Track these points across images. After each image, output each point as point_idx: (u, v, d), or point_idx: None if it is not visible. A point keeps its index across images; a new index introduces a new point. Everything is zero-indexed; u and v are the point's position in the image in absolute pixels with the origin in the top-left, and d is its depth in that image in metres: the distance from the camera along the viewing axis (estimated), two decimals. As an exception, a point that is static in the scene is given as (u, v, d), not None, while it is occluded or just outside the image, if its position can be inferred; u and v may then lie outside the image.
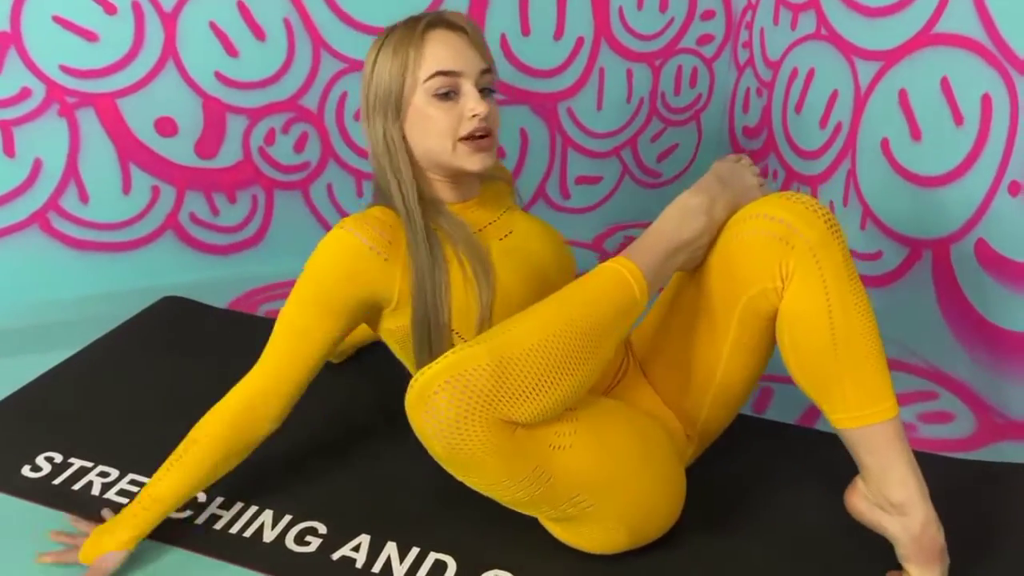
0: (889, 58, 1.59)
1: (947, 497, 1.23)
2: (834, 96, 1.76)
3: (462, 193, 1.13)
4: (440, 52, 1.04)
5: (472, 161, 1.05)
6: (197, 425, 1.08)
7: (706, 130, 2.21)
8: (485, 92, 1.07)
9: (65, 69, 1.64)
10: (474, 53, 1.06)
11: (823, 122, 1.80)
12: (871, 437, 0.96)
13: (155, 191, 1.80)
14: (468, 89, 1.04)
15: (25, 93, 1.62)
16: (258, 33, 1.71)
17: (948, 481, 1.27)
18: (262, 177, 1.86)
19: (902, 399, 1.47)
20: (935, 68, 1.48)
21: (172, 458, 1.07)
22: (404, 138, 1.07)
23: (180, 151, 1.78)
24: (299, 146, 1.85)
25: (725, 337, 1.04)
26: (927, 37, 1.49)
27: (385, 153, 1.07)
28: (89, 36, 1.62)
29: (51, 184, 1.72)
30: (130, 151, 1.74)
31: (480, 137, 1.05)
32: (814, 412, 1.45)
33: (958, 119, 1.45)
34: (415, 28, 1.06)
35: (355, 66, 1.81)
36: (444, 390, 0.86)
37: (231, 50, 1.71)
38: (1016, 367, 1.40)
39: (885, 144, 1.63)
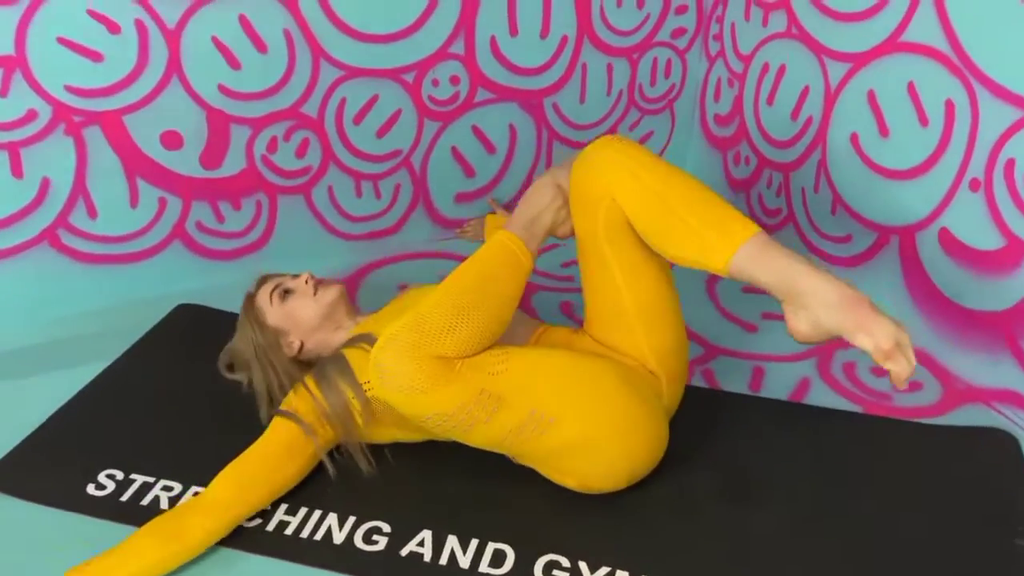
0: (858, 60, 1.74)
1: (923, 459, 1.44)
2: (805, 91, 1.90)
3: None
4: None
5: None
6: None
7: (679, 117, 2.33)
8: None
9: (71, 89, 1.65)
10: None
11: (794, 114, 1.95)
12: (751, 258, 1.13)
13: (162, 202, 1.84)
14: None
15: (32, 115, 1.63)
16: (259, 45, 1.75)
17: (922, 444, 1.47)
18: (265, 184, 1.91)
19: (877, 370, 1.66)
20: (902, 73, 1.63)
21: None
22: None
23: (185, 163, 1.81)
24: (300, 152, 1.90)
25: (610, 265, 1.27)
26: (895, 44, 1.64)
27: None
28: (94, 56, 1.64)
29: (60, 201, 1.74)
30: (137, 165, 1.77)
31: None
32: (803, 387, 1.62)
33: (923, 121, 1.61)
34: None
35: (353, 73, 1.86)
36: (385, 351, 1.12)
37: (233, 63, 1.75)
38: (974, 339, 1.60)
39: (855, 138, 1.79)
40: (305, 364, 1.45)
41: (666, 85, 2.26)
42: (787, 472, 1.38)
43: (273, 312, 1.46)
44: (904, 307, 1.73)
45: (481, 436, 1.20)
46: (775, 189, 2.07)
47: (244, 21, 1.72)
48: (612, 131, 2.25)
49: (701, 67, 2.27)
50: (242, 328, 1.49)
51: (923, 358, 1.68)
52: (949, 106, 1.55)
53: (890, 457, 1.43)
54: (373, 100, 1.92)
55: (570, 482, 1.28)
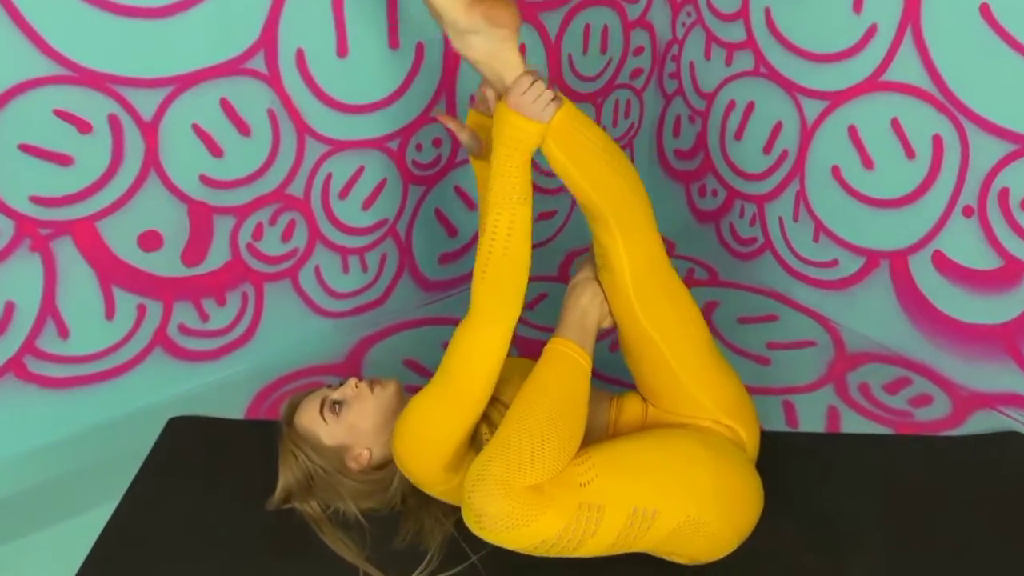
0: (836, 98, 1.83)
1: (964, 471, 1.54)
2: (778, 127, 1.98)
3: None
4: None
5: None
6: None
7: (638, 153, 2.37)
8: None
9: (37, 200, 1.43)
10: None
11: (767, 148, 2.03)
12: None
13: (141, 310, 1.64)
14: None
15: (-9, 234, 1.41)
16: (242, 128, 1.59)
17: (956, 456, 1.57)
18: (252, 273, 1.75)
19: (888, 388, 1.77)
20: (885, 110, 1.74)
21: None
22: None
23: (166, 263, 1.62)
24: (287, 235, 1.76)
25: (649, 335, 1.30)
26: (876, 84, 1.74)
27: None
28: (62, 160, 1.43)
29: (26, 326, 1.51)
30: (112, 274, 1.57)
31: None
32: (834, 416, 1.70)
33: (910, 154, 1.72)
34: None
35: (339, 147, 1.74)
36: (476, 494, 1.11)
37: (215, 150, 1.58)
38: (975, 349, 1.73)
39: (836, 171, 1.88)
40: (377, 469, 1.36)
41: (626, 125, 2.28)
42: (863, 509, 1.44)
43: (330, 430, 1.34)
44: (899, 324, 1.85)
45: (592, 547, 1.16)
46: (748, 219, 2.15)
47: (226, 105, 1.56)
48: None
49: (657, 105, 2.31)
50: (290, 461, 1.34)
51: (926, 372, 1.81)
52: (937, 140, 1.67)
53: (938, 476, 1.52)
54: (359, 172, 1.81)
55: (681, 560, 1.27)
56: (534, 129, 1.17)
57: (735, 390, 1.38)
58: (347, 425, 1.33)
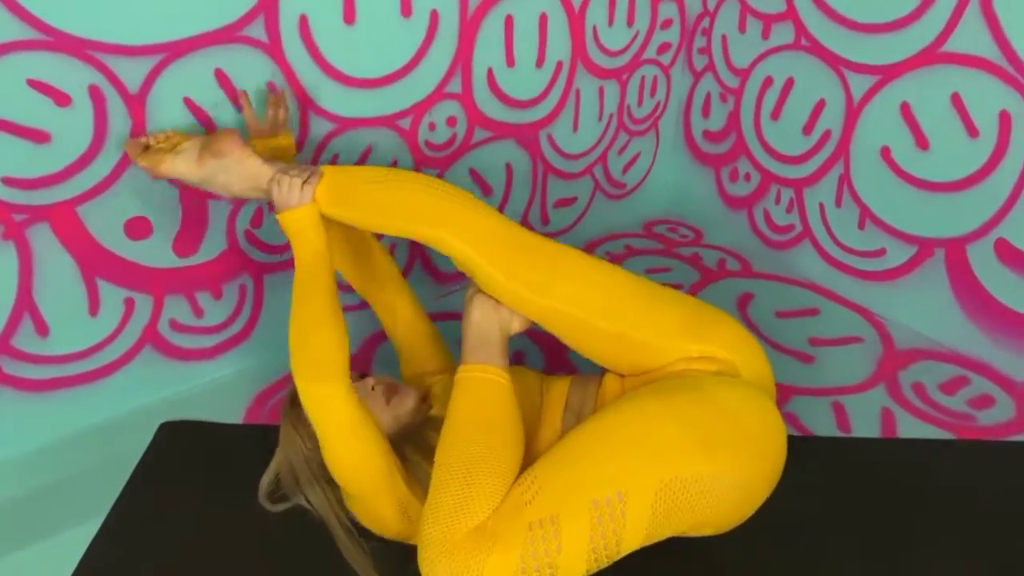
0: (888, 73, 1.68)
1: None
2: (820, 105, 1.83)
3: None
4: None
5: None
6: None
7: (663, 136, 2.22)
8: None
9: (9, 181, 1.27)
10: None
11: (807, 129, 1.88)
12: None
13: (129, 304, 1.48)
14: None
15: (-42, 220, 1.25)
16: (239, 103, 1.44)
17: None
18: (251, 264, 1.59)
19: (945, 388, 1.63)
20: (944, 85, 1.59)
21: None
22: None
23: (156, 253, 1.47)
24: (289, 222, 1.61)
25: (563, 310, 1.19)
26: (934, 56, 1.59)
27: None
28: (38, 136, 1.27)
29: (-1, 323, 1.36)
30: (96, 264, 1.41)
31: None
32: (889, 419, 1.55)
33: (972, 132, 1.57)
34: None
35: (346, 125, 1.59)
36: (424, 565, 1.00)
37: (210, 126, 1.42)
38: (1039, 346, 1.59)
39: (885, 152, 1.74)
40: None
41: (652, 104, 2.13)
42: (928, 521, 1.30)
43: None
44: (954, 318, 1.70)
45: (571, 563, 1.00)
46: (784, 205, 2.00)
47: (221, 76, 1.41)
48: (603, 157, 2.10)
49: (685, 82, 2.16)
50: (289, 443, 1.23)
51: (984, 370, 1.67)
52: (1004, 117, 1.52)
53: (1012, 486, 1.38)
54: (367, 152, 1.65)
55: (709, 530, 1.11)
56: (304, 212, 1.21)
57: (687, 312, 1.20)
58: None
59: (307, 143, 1.56)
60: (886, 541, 1.26)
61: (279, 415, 1.51)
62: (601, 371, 1.27)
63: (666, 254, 2.13)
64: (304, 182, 1.21)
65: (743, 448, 1.07)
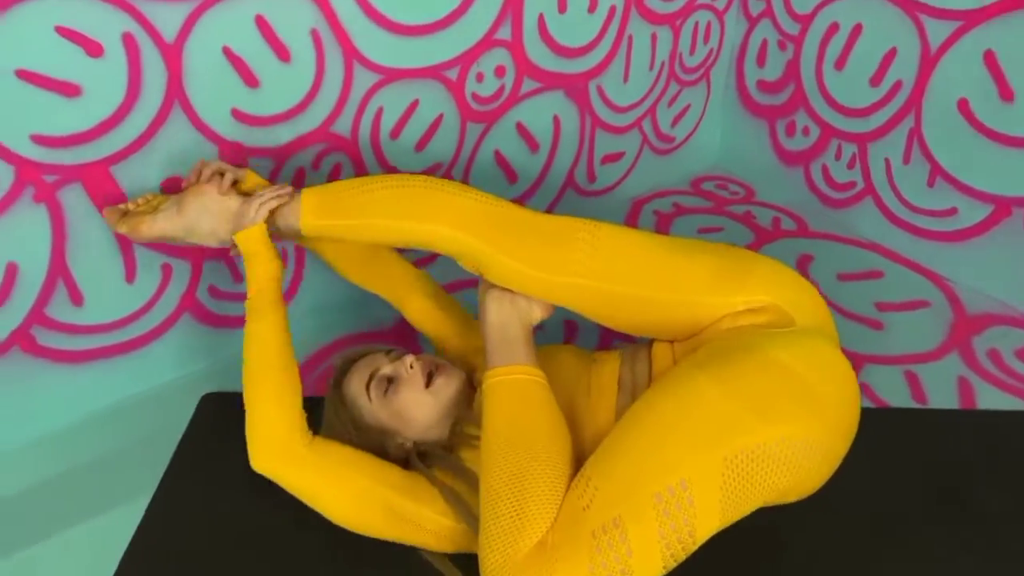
0: (971, 18, 1.56)
1: None
2: (891, 54, 1.71)
3: None
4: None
5: None
6: None
7: (714, 86, 2.10)
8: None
9: (39, 139, 1.17)
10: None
11: (875, 79, 1.76)
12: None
13: (166, 271, 1.40)
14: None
15: (-14, 182, 1.16)
16: (281, 53, 1.33)
17: None
18: (292, 226, 1.50)
19: (1022, 355, 1.54)
20: (1037, 30, 1.47)
21: None
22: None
23: (194, 215, 1.38)
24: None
25: (596, 287, 1.10)
26: (1027, -2, 1.47)
27: None
28: (68, 90, 1.17)
29: (32, 292, 1.27)
30: (132, 228, 1.32)
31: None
32: (966, 388, 1.48)
33: (1066, 82, 1.46)
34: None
35: (391, 76, 1.48)
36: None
37: (250, 79, 1.32)
38: None
39: (963, 104, 1.62)
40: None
41: (704, 52, 2.00)
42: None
43: (374, 409, 1.14)
44: (1030, 283, 1.62)
45: (649, 564, 0.91)
46: (846, 161, 1.89)
47: (262, 23, 1.29)
48: (652, 110, 1.98)
49: (740, 29, 2.03)
50: (331, 422, 1.17)
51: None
52: (1105, 66, 1.41)
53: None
54: (413, 107, 1.54)
55: (794, 495, 1.02)
56: (256, 231, 1.15)
57: (719, 261, 1.10)
58: (394, 410, 1.13)
59: (350, 96, 1.45)
60: (967, 516, 1.19)
61: (325, 387, 1.45)
62: (649, 340, 1.18)
63: (717, 212, 2.03)
64: (261, 203, 1.16)
65: (808, 406, 0.96)
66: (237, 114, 1.34)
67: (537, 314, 1.13)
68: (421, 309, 1.40)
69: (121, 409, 1.44)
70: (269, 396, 1.10)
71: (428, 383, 1.14)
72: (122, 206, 1.26)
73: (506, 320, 1.11)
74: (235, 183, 1.23)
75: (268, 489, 1.13)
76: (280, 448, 1.09)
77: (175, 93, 1.26)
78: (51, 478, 1.30)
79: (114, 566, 1.13)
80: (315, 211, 1.16)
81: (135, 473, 1.30)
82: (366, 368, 1.17)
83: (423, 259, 1.62)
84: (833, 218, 1.96)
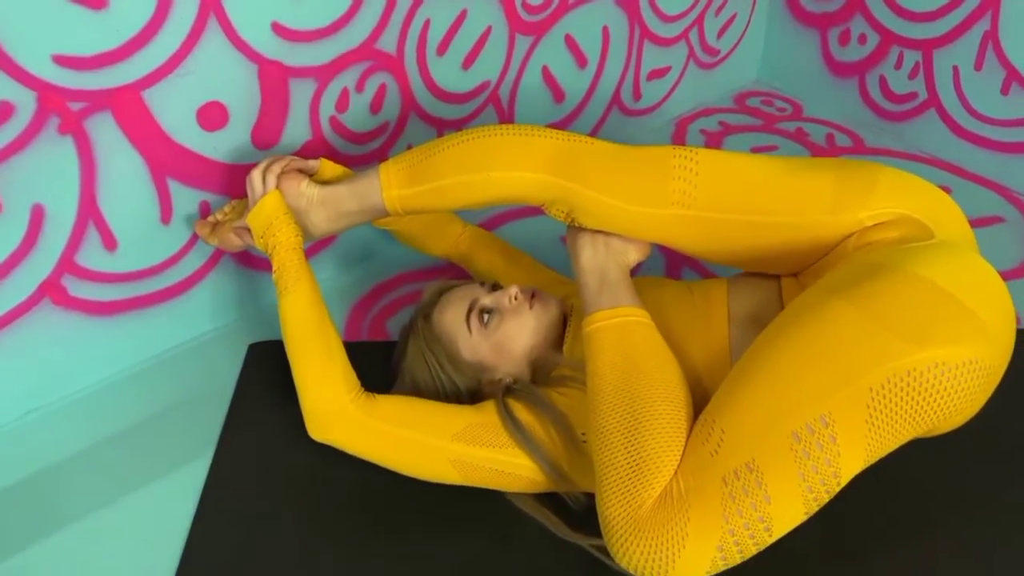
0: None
1: None
2: (968, -52, 1.59)
3: None
4: None
5: None
6: None
7: (762, -7, 1.96)
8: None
9: (62, 60, 1.02)
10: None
11: (947, -21, 1.64)
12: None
13: (204, 209, 1.26)
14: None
15: (5, 110, 1.00)
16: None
17: None
18: (336, 156, 1.36)
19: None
20: None
21: None
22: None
23: (233, 145, 1.23)
24: (376, 105, 1.36)
25: (715, 220, 1.01)
26: None
27: None
28: (93, 3, 1.01)
29: (62, 238, 1.13)
30: (167, 162, 1.17)
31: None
32: None
33: None
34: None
35: (440, -17, 1.33)
36: (614, 550, 0.86)
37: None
38: None
39: (1048, 2, 1.51)
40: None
41: (754, -46, 1.86)
42: None
43: (473, 342, 1.08)
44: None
45: (790, 510, 0.83)
46: (907, 70, 1.78)
47: (305, -79, 1.13)
48: (700, 20, 1.84)
49: (790, -73, 1.88)
50: (417, 365, 1.10)
51: None
52: None
53: None
54: (460, 19, 1.39)
55: (958, 420, 0.93)
56: (267, 200, 1.09)
57: (838, 174, 0.99)
58: (494, 342, 1.08)
59: (396, 8, 1.30)
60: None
61: (381, 331, 1.38)
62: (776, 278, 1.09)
63: (766, 130, 1.91)
64: (266, 171, 1.10)
65: (956, 323, 0.85)
66: (278, 28, 1.18)
67: (633, 256, 1.06)
68: (490, 262, 1.35)
69: (162, 363, 1.32)
70: (312, 370, 1.04)
71: (531, 306, 1.09)
72: (211, 218, 1.22)
73: (603, 263, 1.03)
74: (312, 175, 1.15)
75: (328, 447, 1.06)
76: (334, 419, 1.03)
77: (210, 5, 1.10)
78: (99, 441, 1.19)
79: (182, 531, 1.05)
80: (396, 182, 1.06)
81: (189, 430, 1.20)
82: (463, 299, 1.10)
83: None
84: (891, 132, 1.85)
